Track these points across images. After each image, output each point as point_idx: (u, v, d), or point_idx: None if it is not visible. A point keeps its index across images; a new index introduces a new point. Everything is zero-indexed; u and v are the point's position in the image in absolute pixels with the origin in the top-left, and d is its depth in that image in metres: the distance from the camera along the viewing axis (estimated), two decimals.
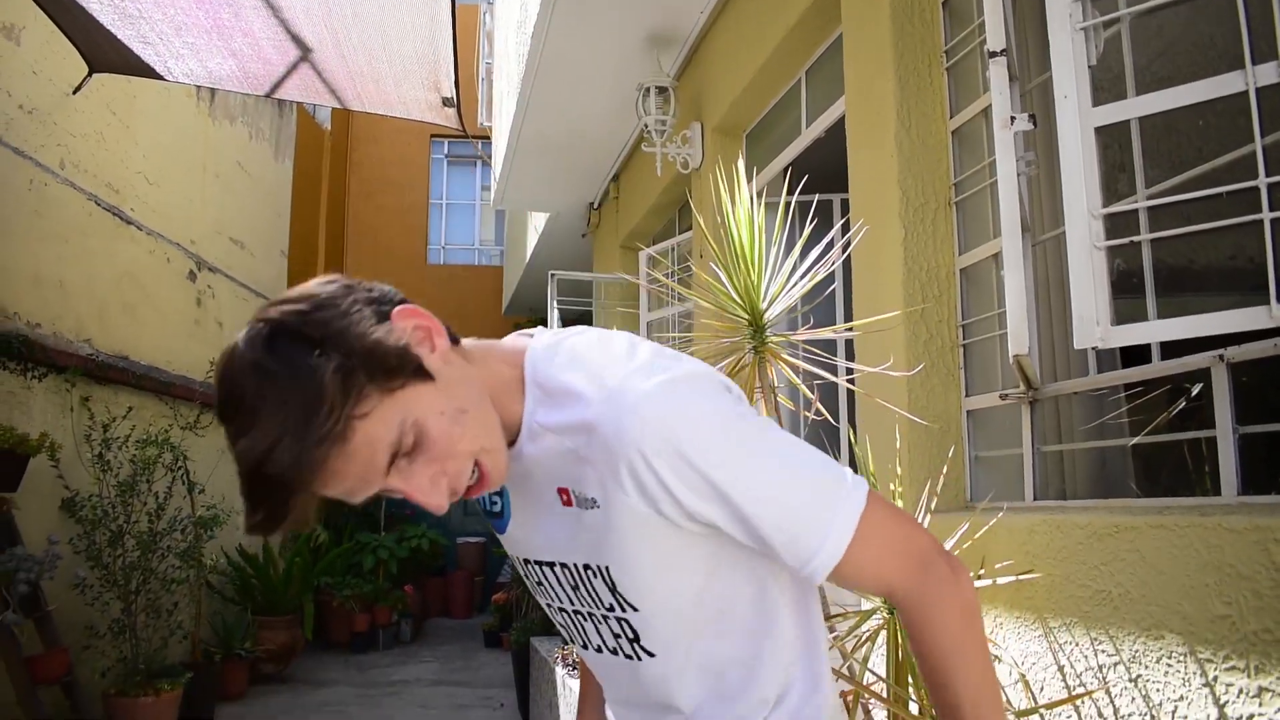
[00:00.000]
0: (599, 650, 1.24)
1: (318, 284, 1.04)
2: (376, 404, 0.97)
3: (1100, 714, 1.83)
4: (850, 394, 2.98)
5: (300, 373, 0.93)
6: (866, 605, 2.26)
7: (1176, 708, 1.66)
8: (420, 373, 1.01)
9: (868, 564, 1.07)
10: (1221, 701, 1.57)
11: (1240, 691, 1.53)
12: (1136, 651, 1.74)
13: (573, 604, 1.22)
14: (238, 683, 7.11)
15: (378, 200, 13.36)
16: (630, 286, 6.11)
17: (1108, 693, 1.81)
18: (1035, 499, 2.33)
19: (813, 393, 2.38)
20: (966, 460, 2.58)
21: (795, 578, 1.18)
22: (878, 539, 1.06)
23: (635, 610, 1.14)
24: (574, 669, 5.45)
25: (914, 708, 2.03)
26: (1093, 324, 1.69)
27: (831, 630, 2.28)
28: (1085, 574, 1.88)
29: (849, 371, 2.65)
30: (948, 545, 1.99)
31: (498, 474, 1.07)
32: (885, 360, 2.56)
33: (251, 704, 7.06)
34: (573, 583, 1.19)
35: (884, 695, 2.10)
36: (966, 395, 2.62)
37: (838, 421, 2.69)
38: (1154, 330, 1.73)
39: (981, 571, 2.14)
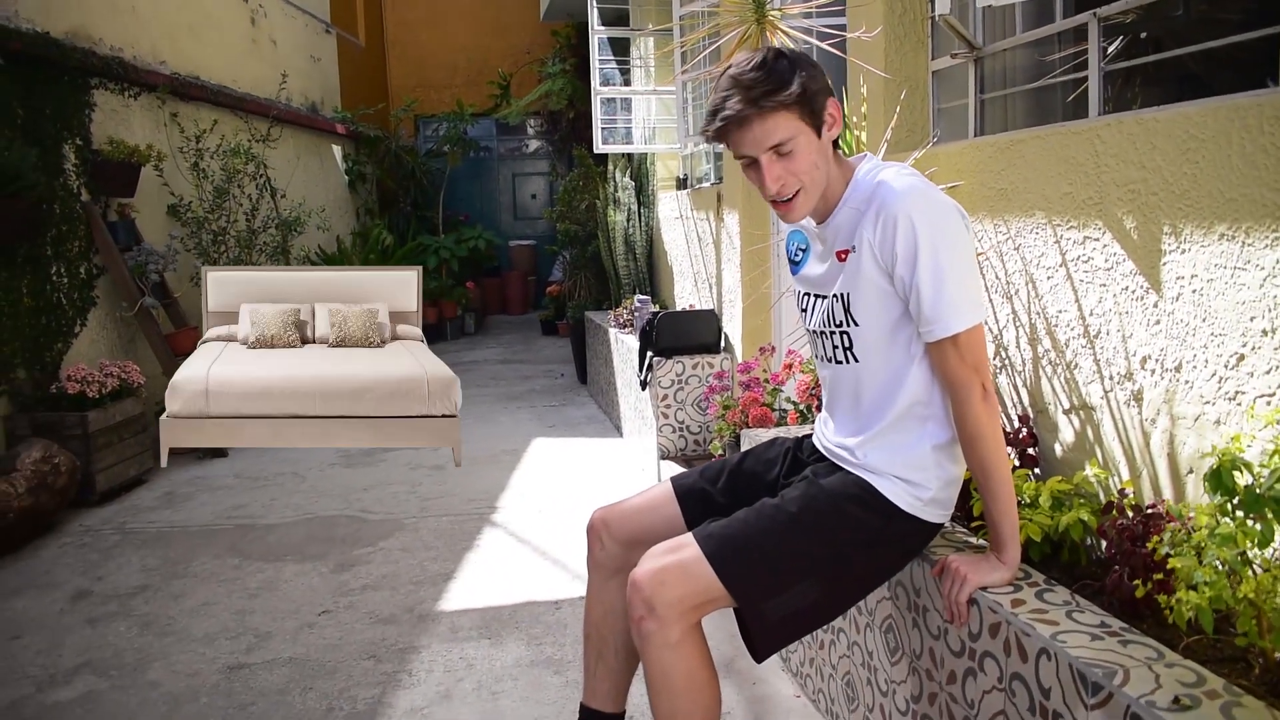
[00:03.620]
0: (828, 360, 2.01)
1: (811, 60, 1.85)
2: (793, 118, 1.77)
3: (996, 277, 2.59)
4: (844, 64, 3.56)
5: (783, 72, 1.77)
6: None
7: (1039, 260, 2.40)
8: (818, 126, 1.80)
9: (952, 354, 1.79)
10: (1064, 250, 2.30)
11: (1074, 242, 2.27)
12: (1019, 228, 2.47)
13: (820, 325, 1.99)
14: None
15: None
16: None
17: (1001, 259, 2.56)
18: (976, 135, 2.99)
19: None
20: (930, 111, 3.21)
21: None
22: (968, 347, 1.78)
23: (856, 325, 1.90)
24: (624, 328, 6.35)
25: None
26: None
27: None
28: (991, 178, 2.58)
29: (834, 38, 3.24)
30: (905, 165, 2.69)
31: (800, 208, 1.86)
32: (867, 29, 3.14)
33: None
34: (824, 308, 1.97)
35: None
36: (933, 58, 3.21)
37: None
38: None
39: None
